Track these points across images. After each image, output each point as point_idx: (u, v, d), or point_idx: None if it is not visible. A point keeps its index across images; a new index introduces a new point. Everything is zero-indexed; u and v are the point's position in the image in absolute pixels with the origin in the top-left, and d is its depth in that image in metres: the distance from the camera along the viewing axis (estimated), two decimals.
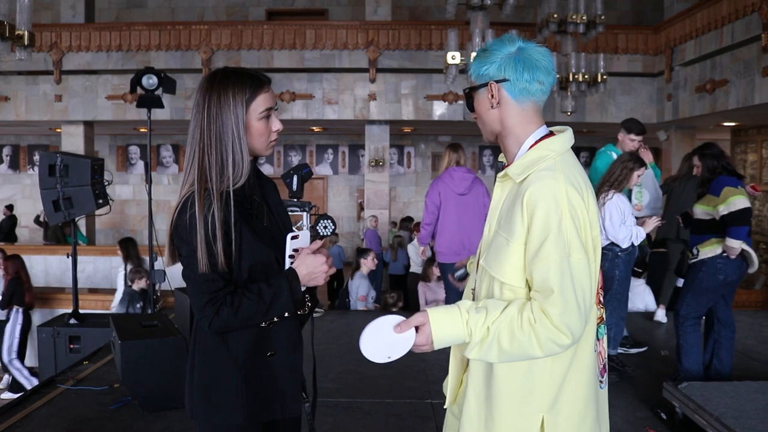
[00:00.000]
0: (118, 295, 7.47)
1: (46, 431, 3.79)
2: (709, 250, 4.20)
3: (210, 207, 1.68)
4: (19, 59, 5.65)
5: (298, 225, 7.12)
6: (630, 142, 5.23)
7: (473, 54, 7.03)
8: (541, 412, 1.60)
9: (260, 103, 1.76)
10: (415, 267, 8.84)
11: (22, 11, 5.45)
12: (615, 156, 5.26)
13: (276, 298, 1.70)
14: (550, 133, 1.67)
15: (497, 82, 1.62)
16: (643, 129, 5.27)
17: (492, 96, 1.63)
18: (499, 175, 1.67)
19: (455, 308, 1.56)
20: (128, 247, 7.70)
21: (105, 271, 10.62)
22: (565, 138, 1.66)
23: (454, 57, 7.54)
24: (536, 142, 1.64)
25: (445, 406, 1.88)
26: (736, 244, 4.08)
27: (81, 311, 6.41)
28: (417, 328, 1.56)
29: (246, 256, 1.73)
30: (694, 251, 4.31)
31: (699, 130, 11.23)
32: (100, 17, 12.73)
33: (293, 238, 1.77)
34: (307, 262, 1.74)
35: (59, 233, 11.29)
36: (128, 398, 4.19)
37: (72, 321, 6.19)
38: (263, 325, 1.77)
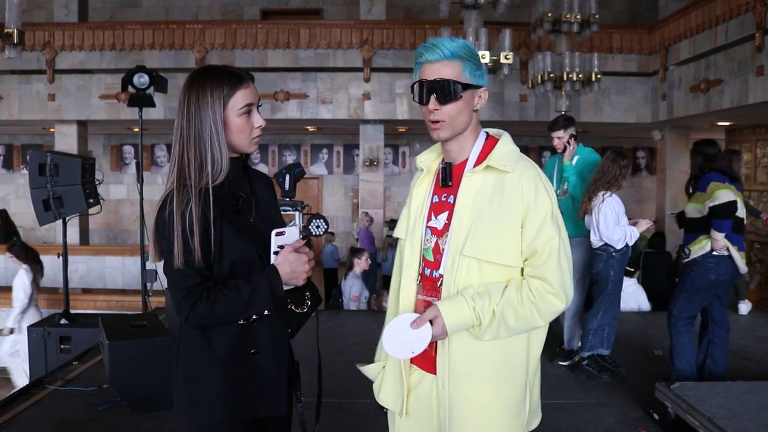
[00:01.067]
0: (22, 299, 6.95)
1: None
2: (698, 249, 4.18)
3: (188, 203, 1.69)
4: (9, 57, 5.61)
5: (292, 223, 7.10)
6: (552, 140, 5.09)
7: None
8: (530, 377, 1.83)
9: (239, 99, 1.76)
10: None
11: (11, 9, 5.43)
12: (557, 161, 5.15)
13: (254, 295, 1.70)
14: (488, 134, 1.87)
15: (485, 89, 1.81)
16: (555, 125, 5.03)
17: (479, 100, 1.80)
18: (477, 167, 1.77)
19: (460, 298, 1.72)
20: (26, 250, 7.24)
21: (98, 271, 10.59)
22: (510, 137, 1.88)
23: None
24: (487, 141, 1.84)
25: (401, 416, 1.88)
26: (719, 236, 4.07)
27: (74, 311, 6.37)
28: (431, 321, 1.71)
29: (227, 253, 1.73)
30: (686, 251, 4.28)
31: (694, 130, 11.23)
32: (94, 16, 12.68)
33: (278, 234, 1.76)
34: (290, 260, 1.74)
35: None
36: (117, 399, 4.14)
37: (63, 321, 6.14)
38: (242, 322, 1.76)
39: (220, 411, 1.77)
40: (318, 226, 7.18)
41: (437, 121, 1.75)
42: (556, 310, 1.73)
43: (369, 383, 4.79)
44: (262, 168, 14.67)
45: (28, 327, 6.23)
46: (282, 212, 6.62)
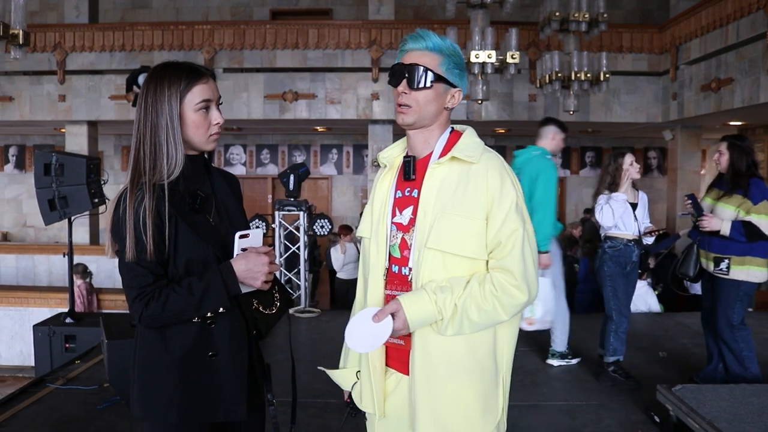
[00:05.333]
0: None
1: (32, 431, 3.77)
2: (740, 270, 4.07)
3: (141, 200, 1.67)
4: (14, 58, 5.65)
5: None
6: None
7: (473, 52, 6.99)
8: (501, 374, 1.80)
9: (196, 94, 1.74)
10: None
11: (16, 10, 5.46)
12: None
13: (208, 292, 1.67)
14: (453, 129, 1.87)
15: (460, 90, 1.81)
16: None
17: (452, 99, 1.79)
18: (442, 159, 1.75)
19: (422, 292, 1.69)
20: None
21: (108, 271, 10.63)
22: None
23: None
24: (451, 134, 1.83)
25: (378, 420, 1.86)
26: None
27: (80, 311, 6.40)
28: (393, 315, 1.68)
29: (182, 252, 1.71)
30: (723, 266, 4.11)
31: (705, 130, 11.12)
32: (105, 18, 12.76)
33: (242, 237, 1.73)
34: (249, 258, 1.70)
35: None
36: (116, 398, 4.16)
37: (68, 320, 6.18)
38: (197, 320, 1.72)
39: (174, 415, 1.74)
40: (322, 227, 7.21)
41: (404, 105, 1.76)
42: (519, 304, 1.70)
43: None
44: (271, 168, 14.70)
45: (34, 326, 6.28)
46: (286, 212, 6.58)
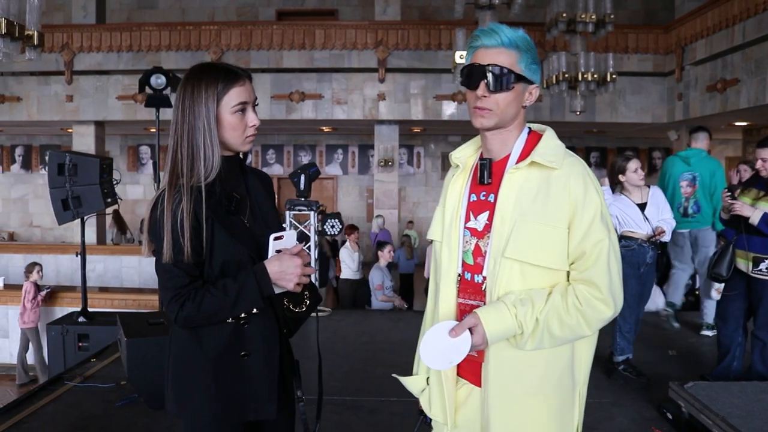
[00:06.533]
0: None
1: (52, 428, 3.82)
2: None
3: (179, 202, 1.68)
4: (28, 59, 5.70)
5: (305, 224, 7.16)
6: None
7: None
8: (578, 389, 1.72)
9: (233, 96, 1.74)
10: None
11: (31, 11, 5.50)
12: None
13: (242, 293, 1.69)
14: (530, 130, 1.76)
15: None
16: None
17: (530, 97, 1.68)
18: (521, 164, 1.64)
19: (501, 305, 1.60)
20: None
21: (115, 270, 10.70)
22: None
23: (462, 56, 7.53)
24: (530, 136, 1.72)
25: (449, 430, 1.76)
26: None
27: (90, 309, 6.45)
28: (471, 330, 1.60)
29: (217, 254, 1.72)
30: (763, 267, 4.07)
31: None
32: (111, 18, 12.82)
33: (276, 238, 1.74)
34: (282, 260, 1.71)
35: None
36: (134, 395, 4.20)
37: (81, 319, 6.23)
38: (231, 320, 1.75)
39: (207, 413, 1.77)
40: (333, 226, 7.24)
41: (483, 108, 1.63)
42: (604, 318, 1.60)
43: (381, 382, 4.79)
44: (277, 168, 14.74)
45: (47, 325, 6.34)
46: (297, 212, 6.63)
